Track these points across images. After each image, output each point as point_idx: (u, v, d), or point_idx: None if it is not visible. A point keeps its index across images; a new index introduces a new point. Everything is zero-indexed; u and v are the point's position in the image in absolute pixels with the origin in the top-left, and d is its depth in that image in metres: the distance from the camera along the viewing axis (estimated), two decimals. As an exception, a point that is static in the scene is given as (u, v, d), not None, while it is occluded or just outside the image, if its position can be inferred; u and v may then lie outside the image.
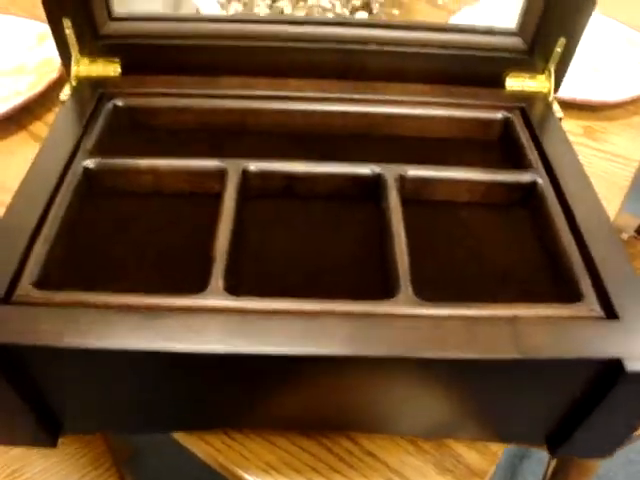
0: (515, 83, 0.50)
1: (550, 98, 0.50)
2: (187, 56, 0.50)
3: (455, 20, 0.79)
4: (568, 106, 0.63)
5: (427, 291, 0.36)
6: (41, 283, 0.35)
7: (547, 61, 0.49)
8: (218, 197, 0.41)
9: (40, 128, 0.63)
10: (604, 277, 0.36)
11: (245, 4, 0.68)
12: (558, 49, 0.49)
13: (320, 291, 0.37)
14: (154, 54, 0.50)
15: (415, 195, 0.43)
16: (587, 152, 0.63)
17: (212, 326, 0.32)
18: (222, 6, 0.66)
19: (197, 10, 0.65)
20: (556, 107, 0.49)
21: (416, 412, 0.38)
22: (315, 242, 0.41)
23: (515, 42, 0.49)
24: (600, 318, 0.34)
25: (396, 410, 0.38)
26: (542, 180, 0.43)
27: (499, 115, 0.48)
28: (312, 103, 0.48)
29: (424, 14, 0.83)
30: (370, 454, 0.40)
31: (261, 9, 0.68)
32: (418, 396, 0.36)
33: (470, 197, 0.44)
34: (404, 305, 0.34)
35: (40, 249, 0.36)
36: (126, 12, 0.50)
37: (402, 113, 0.49)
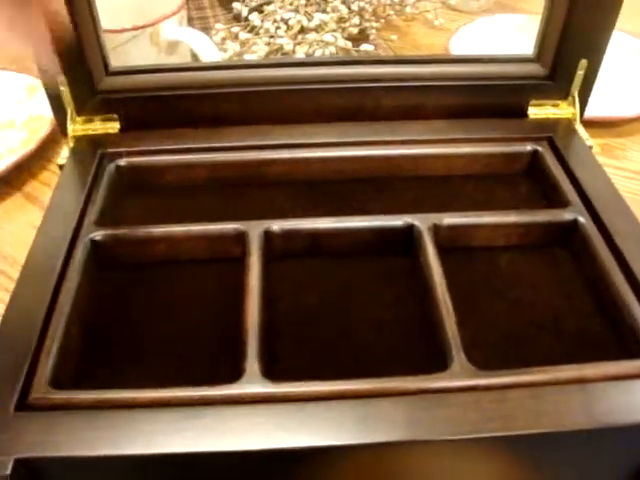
0: (538, 111, 0.48)
1: (576, 124, 0.47)
2: (189, 107, 0.47)
3: (455, 41, 0.77)
4: (583, 124, 0.61)
5: (479, 355, 0.33)
6: (57, 380, 0.31)
7: (570, 85, 0.47)
8: (239, 261, 0.38)
9: (35, 188, 0.60)
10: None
11: (243, 43, 0.65)
12: (580, 72, 0.46)
13: (363, 363, 0.34)
14: (154, 107, 0.47)
15: (450, 243, 0.40)
16: (609, 172, 0.60)
17: (257, 420, 0.29)
18: (218, 46, 0.63)
19: (192, 54, 0.63)
20: (583, 134, 0.47)
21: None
22: (349, 306, 0.38)
23: (534, 69, 0.47)
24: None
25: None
26: (584, 218, 0.40)
27: (527, 147, 0.46)
28: (329, 149, 0.45)
29: (422, 37, 0.81)
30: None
31: (259, 47, 0.65)
32: (481, 473, 0.33)
33: (507, 240, 0.41)
34: (460, 377, 0.31)
35: (53, 341, 0.33)
36: (122, 66, 0.47)
37: (424, 153, 0.46)
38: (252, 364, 0.31)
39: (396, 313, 0.37)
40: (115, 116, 0.47)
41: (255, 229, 0.39)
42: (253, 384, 0.31)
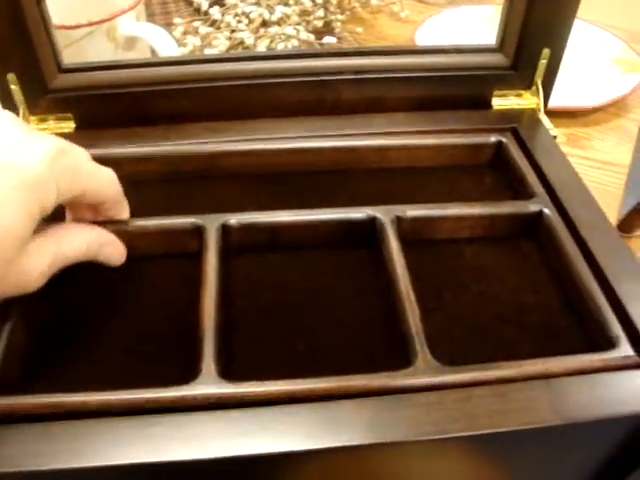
0: (502, 102, 0.47)
1: (540, 114, 0.47)
2: (146, 104, 0.45)
3: (421, 33, 0.76)
4: (548, 114, 0.61)
5: (444, 350, 0.32)
6: (1, 384, 0.30)
7: (533, 75, 0.46)
8: (195, 257, 0.37)
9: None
10: (634, 317, 0.32)
11: (203, 38, 0.64)
12: (543, 61, 0.46)
13: (324, 361, 0.33)
14: (110, 105, 0.45)
15: (413, 235, 0.39)
16: (575, 162, 0.60)
17: (212, 425, 0.28)
18: (178, 42, 0.62)
19: (151, 50, 0.61)
20: (547, 123, 0.46)
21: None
22: (310, 301, 0.36)
23: (497, 59, 0.46)
24: (637, 366, 0.31)
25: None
26: (549, 210, 0.39)
27: (491, 139, 0.45)
28: (288, 141, 0.44)
29: (388, 29, 0.80)
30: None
31: (220, 42, 0.64)
32: (448, 472, 0.32)
33: (472, 232, 0.40)
34: (424, 374, 0.30)
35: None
36: (76, 63, 0.46)
37: (388, 145, 0.45)
38: (208, 364, 0.30)
39: (358, 308, 0.36)
40: (70, 115, 0.45)
41: (212, 223, 0.38)
42: (209, 385, 0.29)
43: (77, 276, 0.36)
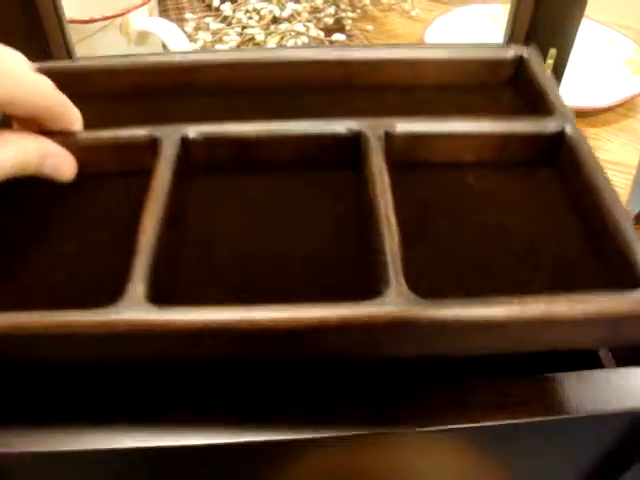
0: (510, 99, 0.47)
1: (547, 114, 0.47)
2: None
3: (431, 31, 0.76)
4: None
5: (430, 284, 0.27)
6: None
7: (542, 72, 0.46)
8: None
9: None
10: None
11: (214, 33, 0.64)
12: (550, 61, 0.46)
13: (285, 294, 0.27)
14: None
15: (406, 157, 0.33)
16: (582, 161, 0.61)
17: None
18: (189, 37, 0.63)
19: (163, 45, 0.61)
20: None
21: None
22: (278, 225, 0.31)
23: (506, 56, 0.46)
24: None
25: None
26: (572, 128, 0.33)
27: (510, 52, 0.39)
28: (267, 51, 0.41)
29: (398, 27, 0.80)
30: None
31: (231, 37, 0.65)
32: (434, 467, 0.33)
33: (478, 155, 0.34)
34: (395, 304, 0.25)
35: None
36: (89, 55, 0.46)
37: (387, 57, 0.39)
38: (136, 285, 0.26)
39: (333, 236, 0.30)
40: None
41: (171, 134, 0.33)
42: (133, 308, 0.25)
43: (19, 192, 0.32)
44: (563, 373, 0.29)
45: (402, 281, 0.26)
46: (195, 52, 0.41)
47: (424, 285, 0.26)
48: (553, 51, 0.44)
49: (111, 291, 0.26)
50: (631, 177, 0.58)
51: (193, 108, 0.38)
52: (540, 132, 0.34)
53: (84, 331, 0.25)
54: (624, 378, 0.30)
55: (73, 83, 0.37)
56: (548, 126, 0.34)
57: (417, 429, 0.27)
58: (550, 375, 0.30)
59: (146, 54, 0.40)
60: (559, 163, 0.34)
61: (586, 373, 0.30)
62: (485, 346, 0.27)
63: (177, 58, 0.40)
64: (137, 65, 0.39)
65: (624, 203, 0.54)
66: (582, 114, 0.65)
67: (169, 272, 0.28)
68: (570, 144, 0.33)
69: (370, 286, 0.27)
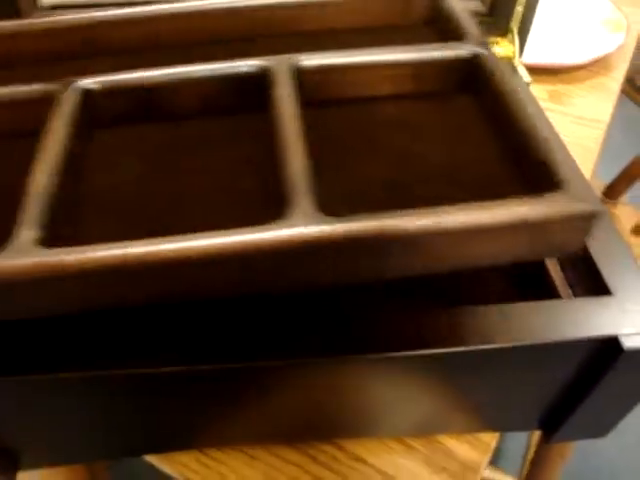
0: (477, 49, 0.47)
1: (515, 62, 0.47)
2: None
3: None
4: (531, 71, 0.61)
5: (338, 206, 0.25)
6: None
7: (509, 22, 0.46)
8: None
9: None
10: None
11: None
12: (519, 8, 0.46)
13: (186, 228, 0.25)
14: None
15: (319, 94, 0.32)
16: (555, 117, 0.61)
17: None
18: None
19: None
20: (523, 71, 0.47)
21: (403, 412, 0.35)
22: (182, 173, 0.30)
23: (474, 5, 0.46)
24: (582, 216, 0.25)
25: (382, 412, 0.35)
26: (485, 51, 0.33)
27: None
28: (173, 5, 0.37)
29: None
30: (357, 459, 0.37)
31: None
32: (405, 395, 0.33)
33: (394, 87, 0.33)
34: (301, 224, 0.24)
35: None
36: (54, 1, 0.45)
37: (297, 1, 0.37)
38: (27, 228, 0.25)
39: (238, 176, 0.30)
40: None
41: (67, 89, 0.31)
42: (22, 252, 0.24)
43: None
44: (521, 303, 0.30)
45: (308, 201, 0.25)
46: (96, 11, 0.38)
47: (338, 208, 0.25)
48: (523, -7, 0.44)
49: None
50: (602, 133, 0.58)
51: (96, 67, 0.35)
52: (454, 57, 0.33)
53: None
54: (579, 309, 0.30)
55: None
56: (462, 50, 0.34)
57: (369, 356, 0.27)
58: (507, 305, 0.30)
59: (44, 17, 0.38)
60: (475, 88, 0.34)
61: (543, 303, 0.30)
62: (401, 265, 0.26)
63: (76, 18, 0.38)
64: (40, 26, 0.38)
65: (594, 159, 0.55)
66: (556, 71, 0.65)
67: (66, 219, 0.27)
68: (485, 65, 0.33)
69: (275, 210, 0.25)
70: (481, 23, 0.46)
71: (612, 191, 1.01)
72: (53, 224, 0.26)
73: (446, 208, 0.24)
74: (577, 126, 0.60)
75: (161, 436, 0.35)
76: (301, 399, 0.32)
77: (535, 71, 0.64)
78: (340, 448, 0.37)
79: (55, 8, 0.45)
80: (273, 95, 0.31)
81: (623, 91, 0.66)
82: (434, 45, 0.34)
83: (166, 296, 0.26)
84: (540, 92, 0.64)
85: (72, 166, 0.29)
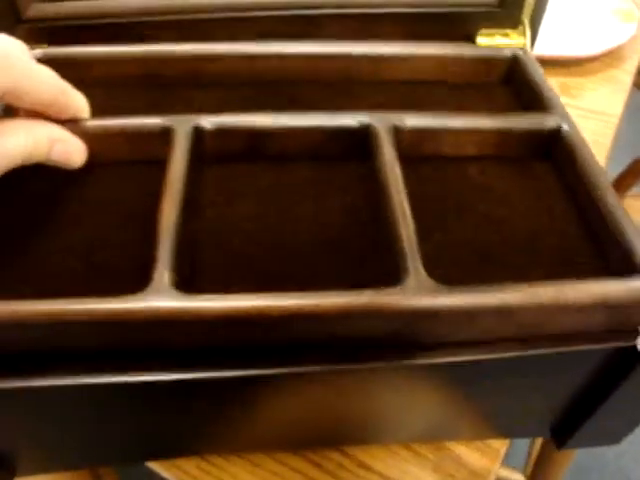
0: (488, 41, 0.45)
1: (527, 55, 0.46)
2: (127, 36, 0.44)
3: None
4: (542, 63, 0.59)
5: (442, 272, 0.28)
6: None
7: (520, 13, 0.45)
8: (164, 164, 0.32)
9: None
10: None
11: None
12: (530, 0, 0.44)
13: (302, 279, 0.29)
14: (88, 37, 0.43)
15: (412, 150, 0.35)
16: (565, 110, 0.60)
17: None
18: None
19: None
20: (534, 65, 0.45)
21: (413, 419, 0.34)
22: (291, 215, 0.32)
23: (484, -5, 0.45)
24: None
25: (391, 419, 0.34)
26: (568, 125, 0.35)
27: (505, 52, 0.42)
28: (277, 44, 0.40)
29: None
30: (363, 465, 0.35)
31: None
32: (416, 401, 0.32)
33: (480, 150, 0.36)
34: (417, 292, 0.26)
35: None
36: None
37: (387, 53, 0.40)
38: (162, 273, 0.27)
39: (345, 225, 0.32)
40: (45, 46, 0.44)
41: (183, 125, 0.34)
42: (160, 296, 0.26)
43: (33, 181, 0.33)
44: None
45: (420, 269, 0.27)
46: (199, 44, 0.41)
47: (437, 272, 0.28)
48: (534, -12, 0.43)
49: (131, 278, 0.28)
50: (614, 127, 0.57)
51: (196, 98, 0.39)
52: (538, 128, 0.36)
53: (113, 319, 0.25)
54: None
55: (78, 71, 0.38)
56: (547, 122, 0.36)
57: (382, 365, 0.27)
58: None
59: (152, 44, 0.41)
60: (555, 156, 0.36)
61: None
62: (498, 331, 0.28)
63: (183, 49, 0.40)
64: (142, 54, 0.40)
65: (606, 153, 0.53)
66: (567, 63, 0.64)
67: (189, 259, 0.30)
68: (566, 138, 0.35)
69: (387, 274, 0.28)
70: (491, 14, 0.45)
71: (620, 184, 0.99)
72: (181, 265, 0.28)
73: (539, 284, 0.27)
74: (588, 120, 0.59)
75: (162, 442, 0.34)
76: (306, 406, 0.31)
77: (544, 63, 0.62)
78: (346, 455, 0.36)
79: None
80: (375, 149, 0.34)
81: (635, 84, 0.64)
82: (520, 115, 0.37)
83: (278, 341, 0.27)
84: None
85: (190, 205, 0.31)
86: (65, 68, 0.38)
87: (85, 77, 0.38)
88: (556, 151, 0.36)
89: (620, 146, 0.63)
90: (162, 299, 0.26)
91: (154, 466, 0.35)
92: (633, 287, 0.28)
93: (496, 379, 0.30)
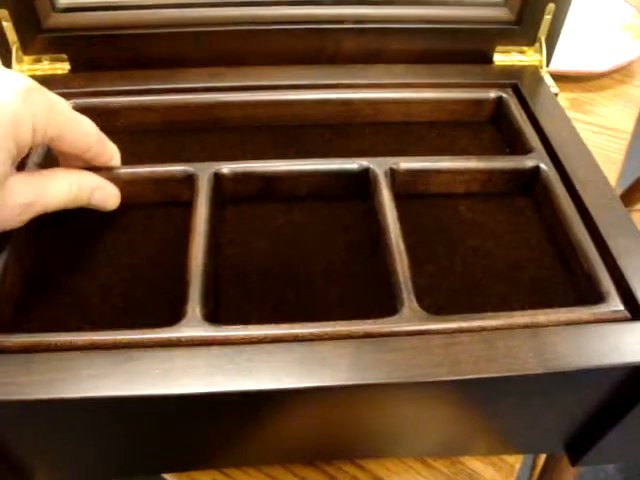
0: (504, 58, 0.46)
1: (542, 71, 0.46)
2: (143, 48, 0.44)
3: None
4: (553, 78, 0.60)
5: (432, 301, 0.33)
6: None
7: (537, 31, 0.45)
8: (188, 205, 0.36)
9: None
10: (625, 273, 0.32)
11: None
12: (547, 16, 0.45)
13: (312, 309, 0.33)
14: (106, 47, 0.44)
15: (407, 189, 0.39)
16: (577, 126, 0.60)
17: (193, 363, 0.27)
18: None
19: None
20: (549, 81, 0.46)
21: (428, 433, 0.35)
22: (301, 251, 0.36)
23: (501, 13, 0.45)
24: (626, 319, 0.31)
25: (406, 433, 0.34)
26: (545, 165, 0.39)
27: (491, 94, 0.44)
28: (286, 92, 0.43)
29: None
30: (378, 479, 0.36)
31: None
32: (431, 417, 0.33)
33: (467, 188, 0.40)
34: (410, 321, 0.30)
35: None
36: (72, 1, 0.45)
37: (385, 98, 0.44)
38: (194, 307, 0.30)
39: (348, 258, 0.36)
40: (64, 56, 0.44)
41: (205, 171, 0.37)
42: (193, 327, 0.29)
43: (70, 223, 0.37)
44: (560, 327, 0.31)
45: (414, 300, 0.31)
46: (215, 93, 0.44)
47: (428, 302, 0.32)
48: (551, 6, 0.44)
49: (164, 311, 0.32)
50: (625, 143, 0.57)
51: (213, 142, 0.43)
52: (519, 168, 0.39)
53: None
54: (614, 333, 0.30)
55: (107, 118, 0.42)
56: (526, 163, 0.39)
57: (404, 381, 0.27)
58: (539, 329, 0.30)
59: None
60: (534, 193, 0.40)
61: (575, 328, 0.30)
62: None
63: (200, 98, 0.44)
64: (165, 103, 0.44)
65: (618, 169, 0.54)
66: (578, 79, 0.64)
67: (213, 294, 0.33)
68: (543, 177, 0.39)
69: (385, 303, 0.32)
70: (508, 32, 0.46)
71: (629, 198, 0.99)
72: (207, 298, 0.31)
73: (513, 313, 0.31)
74: (600, 136, 0.59)
75: (179, 455, 0.35)
76: (323, 419, 0.32)
77: (556, 78, 0.62)
78: (361, 468, 0.36)
79: (70, 10, 0.44)
80: (374, 190, 0.37)
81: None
82: (503, 156, 0.41)
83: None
84: (561, 100, 0.62)
85: (213, 244, 0.35)
86: (93, 116, 0.41)
87: (111, 125, 0.42)
88: (535, 188, 0.39)
89: (630, 160, 0.64)
90: (195, 330, 0.29)
91: (170, 478, 0.35)
92: (598, 313, 0.31)
93: (514, 395, 0.31)
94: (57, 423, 0.30)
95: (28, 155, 0.38)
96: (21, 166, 0.37)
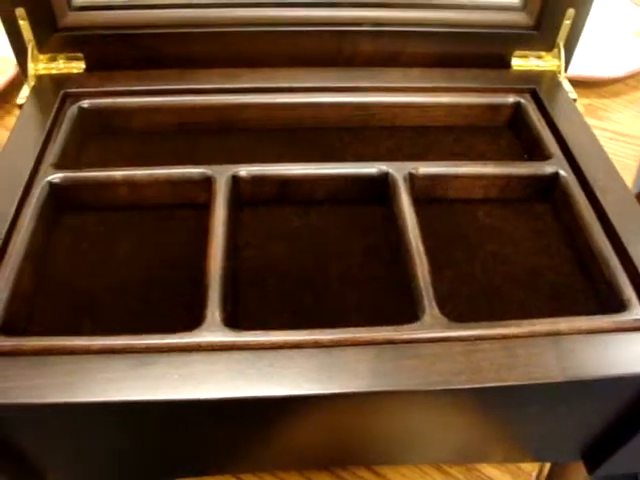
0: (522, 62, 0.46)
1: (560, 77, 0.46)
2: (159, 47, 0.44)
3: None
4: (567, 83, 0.60)
5: (453, 307, 0.32)
6: (8, 327, 0.29)
7: (556, 36, 0.45)
8: (205, 207, 0.36)
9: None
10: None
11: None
12: (567, 21, 0.44)
13: (331, 314, 0.32)
14: (122, 46, 0.44)
15: (425, 194, 0.38)
16: (592, 132, 0.60)
17: (214, 368, 0.27)
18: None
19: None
20: (568, 86, 0.45)
21: (445, 440, 0.34)
22: (318, 254, 0.36)
23: (520, 17, 0.45)
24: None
25: (423, 440, 0.34)
26: (565, 171, 0.38)
27: (509, 99, 0.44)
28: (302, 94, 0.43)
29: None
30: (393, 486, 0.36)
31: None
32: (449, 424, 0.32)
33: (485, 193, 0.39)
34: (431, 328, 0.30)
35: (3, 287, 0.31)
36: (88, 0, 0.44)
37: (402, 102, 0.44)
38: (213, 312, 0.30)
39: (366, 263, 0.35)
40: (80, 55, 0.44)
41: (222, 174, 0.37)
42: (213, 332, 0.29)
43: (85, 225, 0.37)
44: (581, 335, 0.31)
45: (435, 307, 0.31)
46: (231, 94, 0.44)
47: (448, 308, 0.32)
48: (571, 11, 0.44)
49: (181, 315, 0.32)
50: (639, 149, 0.57)
51: (230, 144, 0.43)
52: (538, 174, 0.39)
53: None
54: (634, 342, 0.30)
55: (120, 120, 0.42)
56: (545, 169, 0.39)
57: (425, 389, 0.27)
58: (560, 337, 0.30)
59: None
60: (553, 199, 0.39)
61: (595, 337, 0.30)
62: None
63: (215, 99, 0.44)
64: (181, 104, 0.43)
65: (633, 175, 0.53)
66: (592, 84, 0.64)
67: (231, 297, 0.33)
68: (563, 184, 0.38)
69: (404, 308, 0.32)
70: (526, 36, 0.45)
71: None
72: (225, 302, 0.31)
73: (534, 321, 0.30)
74: (616, 143, 0.59)
75: (194, 460, 0.34)
76: (339, 425, 0.31)
77: (571, 83, 0.62)
78: (376, 473, 0.36)
79: (86, 9, 0.44)
80: (393, 194, 0.37)
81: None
82: (522, 162, 0.41)
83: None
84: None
85: (230, 245, 0.34)
86: (107, 116, 0.40)
87: (126, 125, 0.42)
88: (554, 194, 0.39)
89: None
90: (215, 335, 0.29)
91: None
92: (619, 321, 0.30)
93: (534, 403, 0.31)
94: (72, 426, 0.29)
95: (43, 155, 0.38)
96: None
